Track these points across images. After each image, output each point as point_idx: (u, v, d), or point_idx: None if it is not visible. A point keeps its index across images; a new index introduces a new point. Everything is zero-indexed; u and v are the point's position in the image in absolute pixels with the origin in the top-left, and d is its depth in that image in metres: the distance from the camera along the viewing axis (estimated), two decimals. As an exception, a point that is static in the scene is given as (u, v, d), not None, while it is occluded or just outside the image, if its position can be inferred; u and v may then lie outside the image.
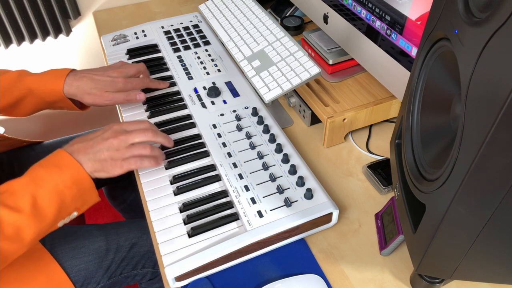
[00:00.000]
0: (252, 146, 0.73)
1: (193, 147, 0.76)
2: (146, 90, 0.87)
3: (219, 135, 0.77)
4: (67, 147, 0.65)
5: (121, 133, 0.67)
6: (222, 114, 0.81)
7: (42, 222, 0.60)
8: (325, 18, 0.87)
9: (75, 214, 0.65)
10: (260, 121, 0.78)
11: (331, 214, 0.65)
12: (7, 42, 1.26)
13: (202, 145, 0.76)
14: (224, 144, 0.75)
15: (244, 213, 0.64)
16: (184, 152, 0.75)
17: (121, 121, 0.82)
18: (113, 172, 0.65)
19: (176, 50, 0.99)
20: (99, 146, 0.65)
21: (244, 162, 0.71)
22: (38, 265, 0.72)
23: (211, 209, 0.66)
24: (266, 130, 0.76)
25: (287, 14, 1.10)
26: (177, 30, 1.05)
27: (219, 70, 0.92)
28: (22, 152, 0.96)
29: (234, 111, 0.81)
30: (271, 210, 0.64)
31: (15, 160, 0.95)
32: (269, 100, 0.78)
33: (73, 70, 0.79)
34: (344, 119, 0.78)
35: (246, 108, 0.82)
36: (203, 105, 0.83)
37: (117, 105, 0.89)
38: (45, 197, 0.59)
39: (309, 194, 0.65)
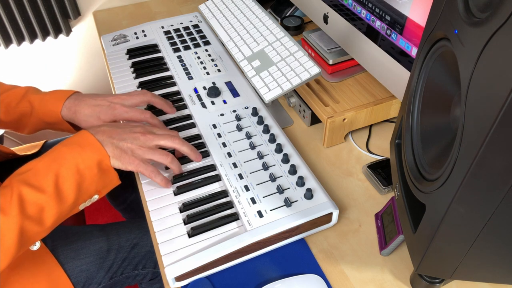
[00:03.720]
0: (252, 146, 0.73)
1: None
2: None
3: (219, 135, 0.77)
4: (93, 128, 0.66)
5: (150, 133, 0.67)
6: (222, 114, 0.81)
7: (64, 203, 0.60)
8: (325, 18, 0.87)
9: (96, 197, 0.65)
10: (260, 121, 0.78)
11: (331, 214, 0.65)
12: (7, 42, 1.26)
13: (202, 145, 0.76)
14: (224, 144, 0.75)
15: (244, 213, 0.64)
16: (184, 152, 0.75)
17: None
18: (126, 165, 0.65)
19: (176, 50, 0.99)
20: (126, 135, 0.65)
21: (244, 162, 0.71)
22: (40, 267, 0.72)
23: (211, 209, 0.66)
24: (266, 130, 0.76)
25: (287, 14, 1.10)
26: (177, 30, 1.05)
27: (219, 70, 0.92)
28: (24, 158, 0.96)
29: (234, 111, 0.81)
30: (271, 210, 0.64)
31: (16, 162, 0.94)
32: (269, 100, 0.78)
33: (76, 92, 0.77)
34: (344, 119, 0.78)
35: (246, 108, 0.82)
36: (203, 105, 0.83)
37: None
38: (65, 176, 0.60)
39: (309, 194, 0.65)
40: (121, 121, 0.76)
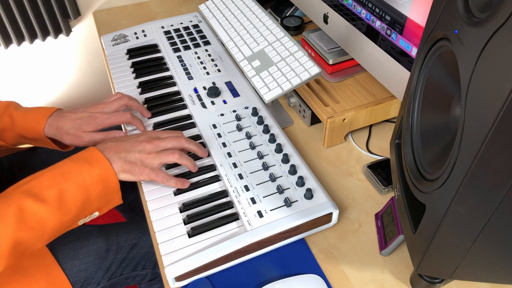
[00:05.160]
0: (252, 146, 0.73)
1: (193, 147, 0.76)
2: (145, 92, 0.87)
3: (219, 135, 0.77)
4: (100, 145, 0.66)
5: (155, 138, 0.68)
6: (222, 114, 0.81)
7: (65, 215, 0.60)
8: (325, 18, 0.87)
9: (96, 214, 0.65)
10: (260, 121, 0.78)
11: (331, 214, 0.65)
12: (7, 42, 1.26)
13: (202, 145, 0.76)
14: (224, 144, 0.75)
15: (244, 213, 0.64)
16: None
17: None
18: (138, 176, 0.66)
19: (176, 50, 0.99)
20: (132, 147, 0.66)
21: (244, 162, 0.71)
22: (38, 265, 0.72)
23: (211, 209, 0.66)
24: (266, 130, 0.76)
25: (287, 14, 1.10)
26: (177, 30, 1.05)
27: (219, 70, 0.92)
28: (22, 155, 0.96)
29: (234, 111, 0.81)
30: (271, 210, 0.64)
31: (15, 162, 0.94)
32: (269, 100, 0.78)
33: (58, 109, 0.78)
34: (344, 119, 0.78)
35: (246, 108, 0.82)
36: (203, 105, 0.83)
37: None
38: (71, 191, 0.60)
39: (309, 194, 0.65)
40: (116, 131, 0.77)
